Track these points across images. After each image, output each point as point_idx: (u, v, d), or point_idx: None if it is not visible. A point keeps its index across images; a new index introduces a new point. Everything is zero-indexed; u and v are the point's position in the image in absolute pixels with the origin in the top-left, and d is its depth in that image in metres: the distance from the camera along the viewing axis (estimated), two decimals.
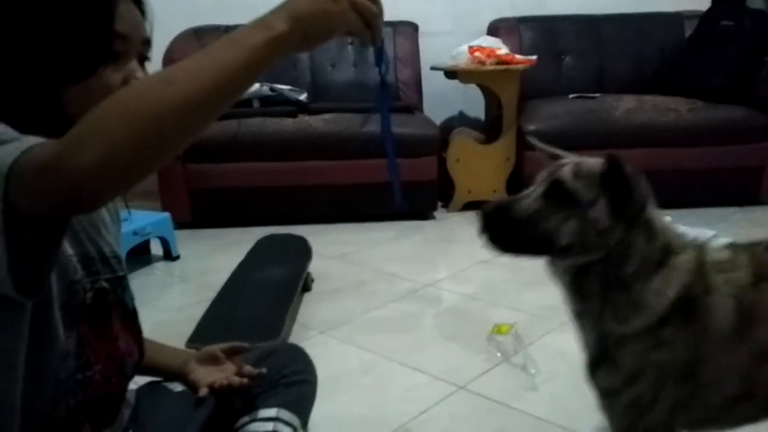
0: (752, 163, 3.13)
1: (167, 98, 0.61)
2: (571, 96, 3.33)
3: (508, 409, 1.56)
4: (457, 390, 1.64)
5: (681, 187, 3.14)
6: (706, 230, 2.77)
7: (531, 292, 2.21)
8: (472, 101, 3.67)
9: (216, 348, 1.26)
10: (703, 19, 3.44)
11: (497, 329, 1.90)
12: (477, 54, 3.10)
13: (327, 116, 3.05)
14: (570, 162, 0.94)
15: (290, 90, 3.23)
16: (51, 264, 0.73)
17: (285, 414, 1.18)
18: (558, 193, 0.91)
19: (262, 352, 1.31)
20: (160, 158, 0.64)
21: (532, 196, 0.93)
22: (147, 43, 0.85)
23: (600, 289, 0.93)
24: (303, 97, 3.24)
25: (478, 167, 3.24)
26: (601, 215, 0.89)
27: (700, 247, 0.97)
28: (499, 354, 1.80)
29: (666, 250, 0.93)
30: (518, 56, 3.17)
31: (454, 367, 1.75)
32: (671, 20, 3.63)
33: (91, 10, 0.78)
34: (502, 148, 3.21)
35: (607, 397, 0.98)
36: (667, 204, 3.27)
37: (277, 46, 0.69)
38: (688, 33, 3.52)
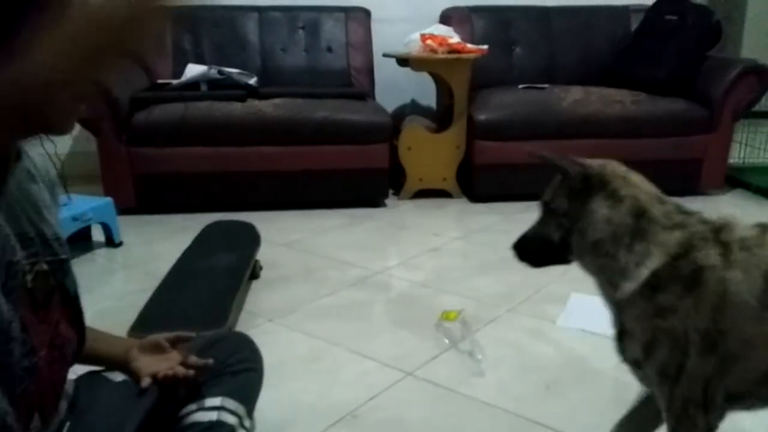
0: (692, 154, 3.24)
1: None
2: (521, 86, 3.37)
3: (455, 394, 1.58)
4: (405, 376, 1.65)
5: None
6: None
7: (480, 280, 2.23)
8: (424, 89, 3.67)
9: (160, 337, 1.22)
10: (649, 13, 3.53)
11: (445, 316, 1.92)
12: (429, 42, 3.09)
13: (277, 101, 3.00)
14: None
15: (239, 73, 3.16)
16: None
17: (230, 403, 1.16)
18: (541, 210, 1.13)
19: (207, 341, 1.28)
20: None
21: (533, 224, 1.15)
22: None
23: (593, 261, 1.06)
24: (253, 81, 3.17)
25: (429, 155, 3.25)
26: (560, 203, 1.07)
27: (718, 227, 1.02)
28: (446, 340, 1.82)
29: (639, 215, 1.01)
30: (470, 45, 3.19)
31: (402, 353, 1.76)
32: (618, 13, 3.71)
33: None
34: (453, 137, 3.23)
35: (637, 368, 1.05)
36: None
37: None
38: (634, 26, 3.61)
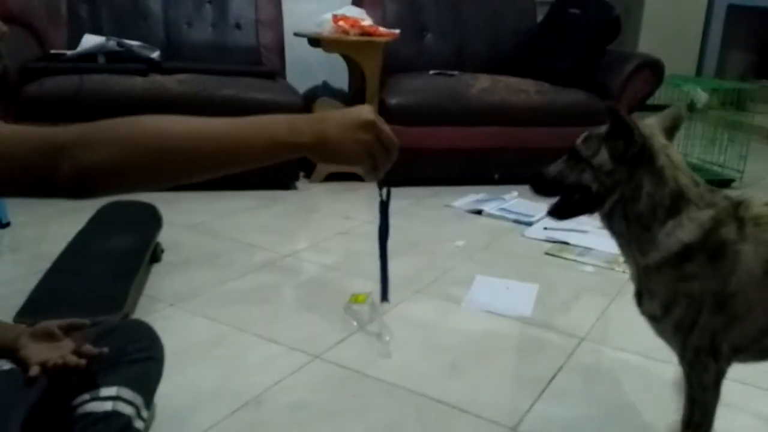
0: None
1: (180, 150, 0.72)
2: (431, 72, 3.40)
3: (362, 376, 1.58)
4: (313, 360, 1.64)
5: (529, 164, 3.32)
6: (548, 205, 2.98)
7: (389, 263, 2.24)
8: (336, 71, 3.64)
9: (53, 324, 1.15)
10: (553, 6, 3.65)
11: (354, 299, 1.92)
12: (341, 23, 3.06)
13: (181, 77, 2.88)
14: (588, 130, 1.19)
15: (141, 46, 3.00)
16: None
17: (126, 392, 1.11)
18: (573, 156, 1.18)
19: (103, 329, 1.22)
20: (152, 188, 0.75)
21: (558, 162, 1.21)
22: None
23: (625, 228, 1.16)
24: (155, 55, 3.02)
25: None
26: (603, 161, 1.14)
27: (737, 203, 1.13)
28: (355, 323, 1.82)
29: (678, 198, 1.12)
30: (382, 29, 3.18)
31: (310, 337, 1.74)
32: (524, 5, 3.82)
33: None
34: None
35: (654, 322, 1.19)
36: (514, 180, 3.45)
37: (291, 151, 0.77)
38: (540, 18, 3.73)
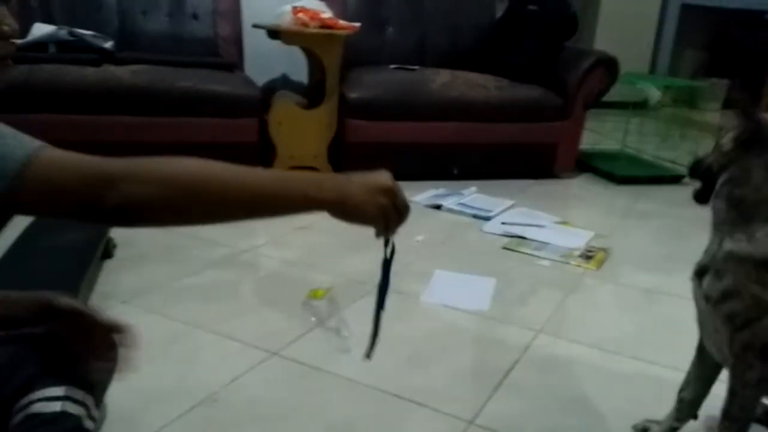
0: (548, 140, 3.44)
1: (219, 195, 0.80)
2: (392, 66, 3.40)
3: (321, 372, 1.57)
4: (271, 356, 1.62)
5: (488, 159, 3.38)
6: (506, 200, 3.02)
7: (349, 257, 2.24)
8: (295, 64, 3.59)
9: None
10: (512, 2, 3.68)
11: (313, 294, 1.91)
12: (300, 15, 3.02)
13: (136, 68, 2.81)
14: None
15: (93, 36, 2.92)
16: None
17: (76, 392, 1.07)
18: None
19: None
20: (189, 224, 0.84)
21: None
22: None
23: (725, 209, 1.17)
24: (108, 44, 2.94)
25: (301, 132, 3.19)
26: (726, 141, 1.18)
27: None
28: (313, 318, 1.81)
29: None
30: (342, 21, 3.16)
31: (268, 333, 1.72)
32: (484, 1, 3.84)
33: None
34: (325, 114, 3.20)
35: (708, 302, 1.20)
36: (473, 175, 3.48)
37: (317, 207, 0.85)
38: (499, 14, 3.76)
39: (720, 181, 1.18)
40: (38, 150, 0.74)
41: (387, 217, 0.90)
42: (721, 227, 1.19)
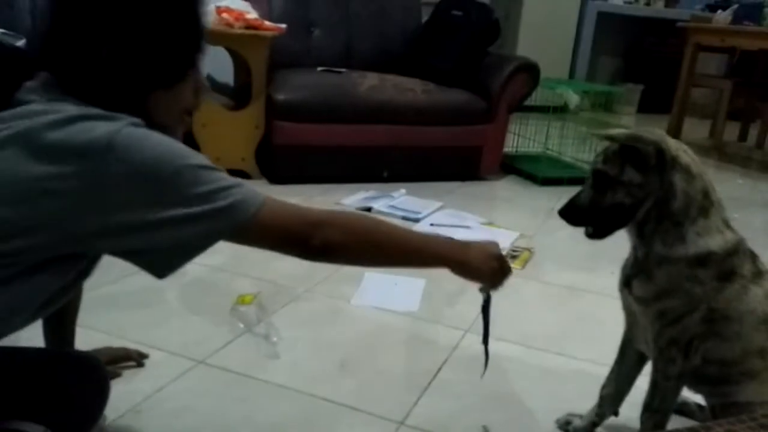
0: (473, 142, 3.51)
1: (385, 250, 1.07)
2: (319, 69, 3.39)
3: (249, 379, 1.54)
4: (196, 365, 1.58)
5: (415, 162, 3.41)
6: (434, 202, 3.06)
7: (278, 262, 2.18)
8: (221, 65, 3.52)
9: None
10: (437, 6, 3.74)
11: (241, 300, 1.87)
12: (225, 15, 2.97)
13: None
14: (602, 151, 1.22)
15: (4, 34, 2.75)
16: None
17: None
18: (600, 179, 1.21)
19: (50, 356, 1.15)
20: (366, 265, 1.37)
21: (585, 189, 1.24)
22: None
23: (655, 226, 1.19)
24: (20, 43, 2.79)
25: (227, 134, 3.13)
26: (632, 176, 1.17)
27: (756, 255, 1.25)
28: (241, 325, 1.77)
29: (707, 194, 1.18)
30: (267, 23, 3.12)
31: (194, 341, 1.68)
32: (409, 4, 3.88)
33: (190, 28, 0.99)
34: (251, 116, 3.15)
35: (640, 303, 1.25)
36: (402, 178, 3.49)
37: (452, 266, 1.12)
38: (425, 18, 3.81)
39: (642, 211, 1.19)
40: (264, 202, 0.95)
41: (495, 277, 1.17)
42: (646, 239, 1.21)
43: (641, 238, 1.23)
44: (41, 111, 0.86)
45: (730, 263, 1.19)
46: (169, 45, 0.95)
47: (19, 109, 0.88)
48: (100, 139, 0.83)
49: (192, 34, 0.99)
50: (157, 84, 0.96)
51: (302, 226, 0.97)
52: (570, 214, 1.26)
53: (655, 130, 1.21)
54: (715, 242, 1.18)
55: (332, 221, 0.99)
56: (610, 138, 1.21)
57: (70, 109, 0.87)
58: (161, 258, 0.93)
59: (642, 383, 1.33)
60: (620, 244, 1.29)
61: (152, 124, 0.91)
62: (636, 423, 1.30)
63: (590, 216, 1.24)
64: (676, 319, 1.21)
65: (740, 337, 1.21)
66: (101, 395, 1.18)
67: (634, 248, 1.27)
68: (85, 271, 1.01)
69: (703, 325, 1.20)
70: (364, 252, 1.04)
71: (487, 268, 1.14)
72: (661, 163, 1.17)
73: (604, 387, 1.41)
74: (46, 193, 0.83)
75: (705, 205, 1.18)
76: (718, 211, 1.20)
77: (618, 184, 1.19)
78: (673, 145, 1.19)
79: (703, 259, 1.18)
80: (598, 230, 1.25)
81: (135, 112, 0.91)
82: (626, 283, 1.28)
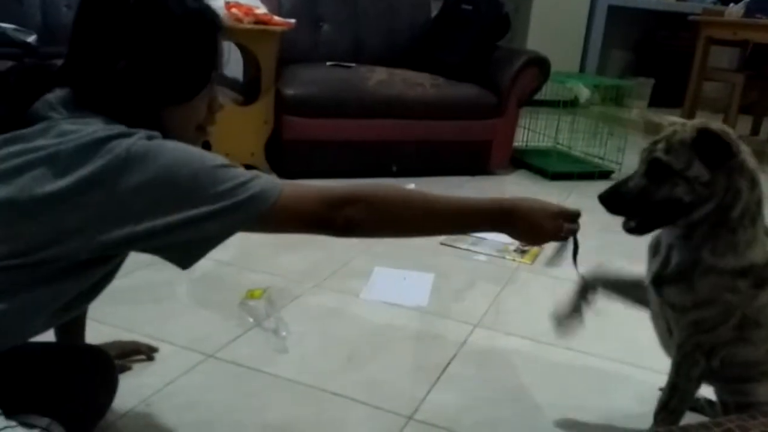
0: (483, 137, 3.50)
1: (412, 221, 1.05)
2: (328, 63, 3.38)
3: (258, 373, 1.55)
4: (206, 358, 1.59)
5: (424, 157, 3.41)
6: None
7: (286, 257, 2.22)
8: (231, 60, 3.53)
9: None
10: (447, 1, 3.73)
11: (250, 294, 1.88)
12: (234, 11, 2.97)
13: (59, 62, 2.69)
14: (662, 138, 1.12)
15: (15, 30, 2.79)
16: None
17: (56, 428, 1.02)
18: (657, 169, 1.11)
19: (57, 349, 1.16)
20: (398, 236, 1.17)
21: (636, 176, 1.14)
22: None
23: (709, 231, 1.13)
24: (31, 39, 2.82)
25: (237, 129, 3.13)
26: (700, 172, 1.09)
27: None
28: (251, 319, 1.78)
29: (759, 203, 1.13)
30: (277, 18, 3.12)
31: (203, 335, 1.69)
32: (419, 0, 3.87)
33: (206, 47, 1.02)
34: (260, 111, 3.15)
35: (675, 311, 1.20)
36: (411, 172, 3.49)
37: (492, 229, 1.14)
38: (434, 12, 3.80)
39: (702, 211, 1.11)
40: (282, 189, 0.96)
41: (558, 233, 1.14)
42: (693, 242, 1.15)
43: (687, 239, 1.15)
44: (68, 131, 0.90)
45: (765, 272, 1.14)
46: (184, 61, 0.99)
47: (42, 126, 0.91)
48: (120, 155, 0.88)
49: (207, 52, 1.02)
50: (172, 99, 1.00)
51: (322, 208, 0.98)
52: (613, 201, 1.14)
53: (724, 126, 1.13)
54: (759, 254, 1.13)
55: (355, 198, 0.99)
56: (678, 127, 1.10)
57: (95, 128, 0.91)
58: (186, 251, 0.97)
59: (652, 379, 1.32)
60: (630, 239, 1.28)
61: (167, 138, 0.94)
62: (648, 419, 1.29)
63: (636, 207, 1.14)
64: (710, 328, 1.17)
65: (767, 341, 1.19)
66: (109, 389, 1.19)
67: (669, 247, 1.19)
68: (112, 273, 1.09)
69: (733, 331, 1.17)
70: (391, 224, 1.05)
71: (537, 226, 1.11)
72: (732, 165, 1.09)
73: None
74: (74, 208, 0.88)
75: (756, 214, 1.13)
76: (762, 221, 1.15)
77: (681, 178, 1.09)
78: (744, 147, 1.12)
79: (747, 271, 1.13)
80: (641, 224, 1.16)
81: (150, 126, 0.95)
82: (656, 282, 1.22)
